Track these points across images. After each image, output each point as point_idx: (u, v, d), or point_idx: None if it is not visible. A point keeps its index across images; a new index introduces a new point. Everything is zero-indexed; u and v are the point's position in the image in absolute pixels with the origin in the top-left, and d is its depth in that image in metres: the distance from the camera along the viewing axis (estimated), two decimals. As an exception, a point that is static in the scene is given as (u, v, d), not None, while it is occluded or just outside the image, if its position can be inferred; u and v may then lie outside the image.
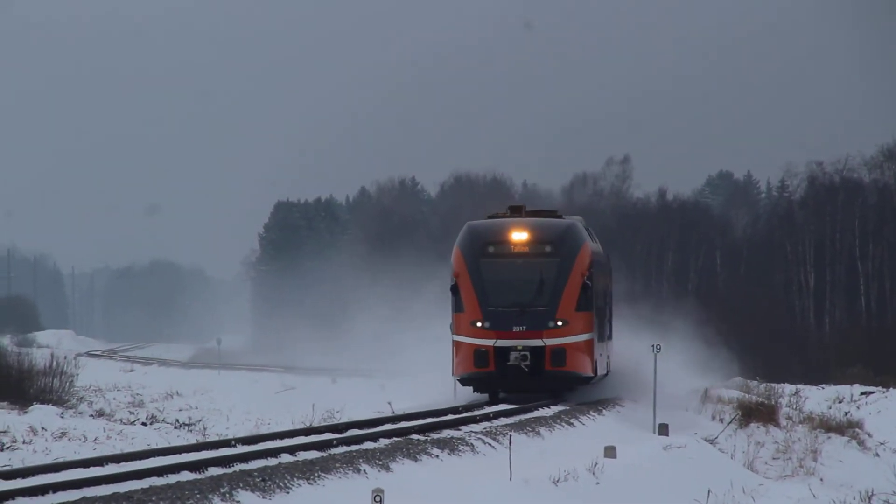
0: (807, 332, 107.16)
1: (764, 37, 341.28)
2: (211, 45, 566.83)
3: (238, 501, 22.46)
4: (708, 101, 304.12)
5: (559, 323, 37.79)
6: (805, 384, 74.11)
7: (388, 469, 27.41)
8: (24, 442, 35.69)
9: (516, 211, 41.45)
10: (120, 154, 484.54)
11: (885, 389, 70.82)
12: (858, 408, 64.97)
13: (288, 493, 23.78)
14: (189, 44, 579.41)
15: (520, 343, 37.49)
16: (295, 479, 24.00)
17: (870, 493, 38.47)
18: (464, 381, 39.58)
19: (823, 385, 74.72)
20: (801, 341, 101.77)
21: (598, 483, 31.88)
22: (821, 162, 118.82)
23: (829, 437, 49.73)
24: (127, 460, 25.65)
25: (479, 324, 37.92)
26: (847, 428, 52.40)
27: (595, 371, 41.18)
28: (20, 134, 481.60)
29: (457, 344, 38.93)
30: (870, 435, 52.82)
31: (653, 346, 49.07)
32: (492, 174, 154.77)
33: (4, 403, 43.00)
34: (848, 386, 73.59)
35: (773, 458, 47.21)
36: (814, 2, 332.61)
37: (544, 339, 37.63)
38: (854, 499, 37.72)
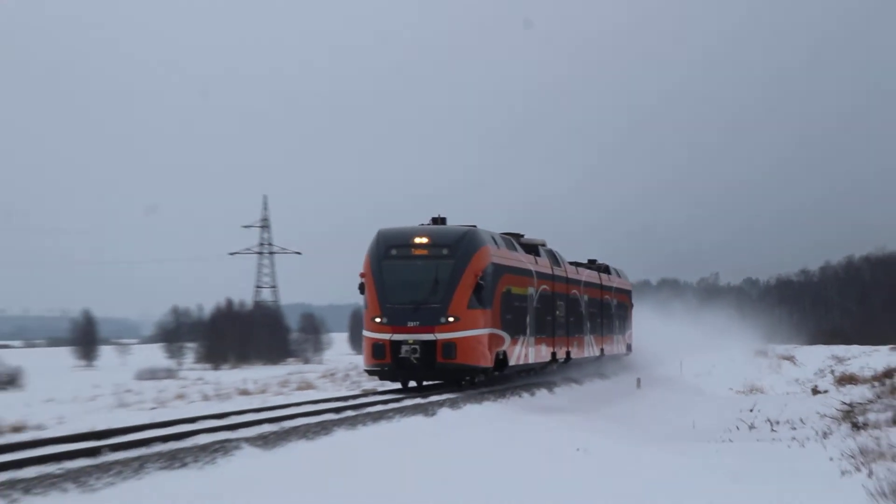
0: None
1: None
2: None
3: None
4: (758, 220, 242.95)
5: (450, 319, 27.93)
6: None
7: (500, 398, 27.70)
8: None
9: (438, 222, 31.18)
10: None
11: (800, 346, 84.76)
12: (793, 352, 76.28)
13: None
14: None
15: (411, 337, 27.90)
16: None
17: (798, 379, 52.64)
18: (370, 372, 30.03)
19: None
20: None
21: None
22: (830, 261, 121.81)
23: (784, 361, 68.61)
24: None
25: (378, 319, 28.35)
26: (790, 358, 71.27)
27: (498, 363, 30.15)
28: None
29: (363, 338, 29.34)
30: (797, 359, 70.20)
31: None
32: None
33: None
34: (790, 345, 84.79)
35: (767, 368, 63.52)
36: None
37: (436, 334, 27.92)
38: (792, 382, 51.51)
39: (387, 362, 27.99)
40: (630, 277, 56.58)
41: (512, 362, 31.02)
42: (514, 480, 15.66)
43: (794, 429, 25.54)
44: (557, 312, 37.04)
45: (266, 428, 18.55)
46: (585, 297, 41.77)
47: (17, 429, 21.41)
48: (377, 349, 28.07)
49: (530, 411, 26.72)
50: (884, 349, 64.97)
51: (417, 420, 21.98)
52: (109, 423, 20.66)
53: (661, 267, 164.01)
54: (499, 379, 31.77)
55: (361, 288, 28.94)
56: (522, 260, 33.02)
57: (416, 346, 27.68)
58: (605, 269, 48.03)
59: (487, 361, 28.82)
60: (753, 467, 18.55)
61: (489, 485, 15.20)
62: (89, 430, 18.81)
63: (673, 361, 55.22)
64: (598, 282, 45.30)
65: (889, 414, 23.57)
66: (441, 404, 24.26)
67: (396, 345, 27.81)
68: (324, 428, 18.91)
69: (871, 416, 23.96)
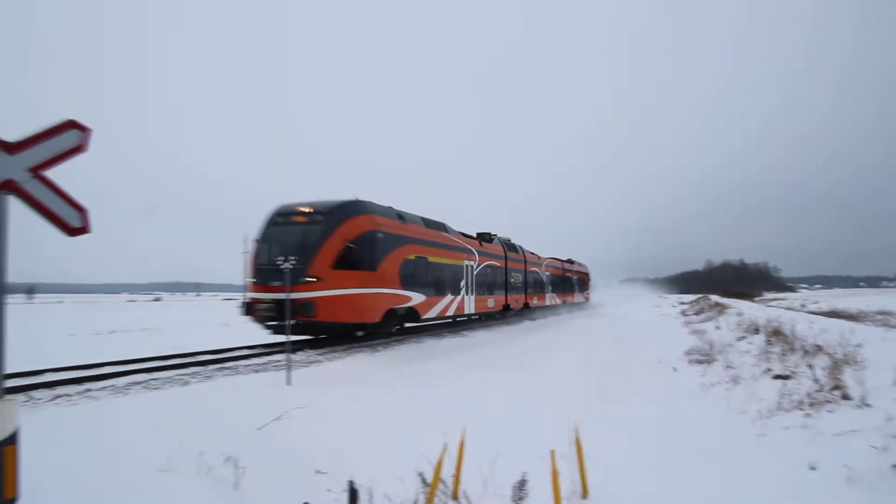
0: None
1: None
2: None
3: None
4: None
5: (310, 279, 20.24)
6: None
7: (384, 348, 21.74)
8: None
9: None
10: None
11: (672, 294, 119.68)
12: (670, 297, 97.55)
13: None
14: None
15: (269, 296, 20.54)
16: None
17: (672, 304, 61.18)
18: (265, 327, 21.21)
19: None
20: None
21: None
22: (698, 268, 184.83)
23: (668, 299, 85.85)
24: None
25: (250, 279, 21.27)
26: (668, 298, 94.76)
27: (401, 317, 24.23)
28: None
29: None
30: (671, 299, 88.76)
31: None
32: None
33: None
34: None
35: (663, 301, 74.06)
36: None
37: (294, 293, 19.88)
38: (670, 305, 58.58)
39: (257, 319, 21.21)
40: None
41: (431, 314, 26.41)
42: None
43: (666, 317, 42.32)
44: (511, 280, 36.45)
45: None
46: (547, 273, 44.32)
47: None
48: (246, 307, 21.53)
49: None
50: (695, 295, 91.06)
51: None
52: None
53: (639, 270, 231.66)
54: (413, 330, 28.12)
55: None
56: (454, 240, 29.29)
57: (272, 304, 20.72)
58: (569, 260, 52.70)
59: (369, 318, 22.30)
60: (660, 324, 35.47)
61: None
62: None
63: (628, 304, 66.61)
64: (560, 265, 48.85)
65: (693, 311, 44.70)
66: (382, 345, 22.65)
67: (257, 303, 21.07)
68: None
69: (690, 313, 44.59)
